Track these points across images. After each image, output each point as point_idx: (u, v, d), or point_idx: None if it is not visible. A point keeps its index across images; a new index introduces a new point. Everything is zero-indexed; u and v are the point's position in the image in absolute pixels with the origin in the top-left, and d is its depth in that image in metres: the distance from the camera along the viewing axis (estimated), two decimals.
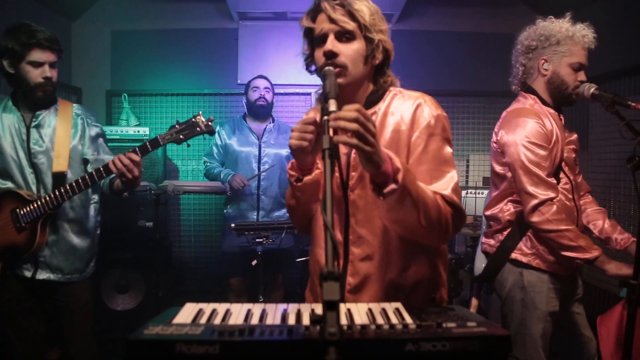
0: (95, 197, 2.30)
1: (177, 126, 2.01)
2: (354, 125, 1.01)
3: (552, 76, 1.97)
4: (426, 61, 4.33)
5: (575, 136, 2.11)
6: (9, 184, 2.10)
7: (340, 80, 1.25)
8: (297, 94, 4.30)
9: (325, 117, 1.03)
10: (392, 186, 1.09)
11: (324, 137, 0.97)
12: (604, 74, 3.27)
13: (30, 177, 2.10)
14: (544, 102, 2.00)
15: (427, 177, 1.26)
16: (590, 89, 1.87)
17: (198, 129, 2.00)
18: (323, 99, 1.12)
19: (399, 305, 1.05)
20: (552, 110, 1.99)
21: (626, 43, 3.24)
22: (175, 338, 0.79)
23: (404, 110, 1.32)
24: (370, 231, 1.35)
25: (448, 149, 1.31)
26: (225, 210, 3.46)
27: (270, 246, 2.91)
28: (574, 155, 2.07)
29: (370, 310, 1.01)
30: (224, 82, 4.32)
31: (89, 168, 2.23)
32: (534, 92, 2.02)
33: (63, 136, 2.12)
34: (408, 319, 0.94)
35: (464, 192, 4.14)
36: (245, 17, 4.21)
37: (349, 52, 1.27)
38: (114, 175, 2.03)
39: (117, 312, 3.51)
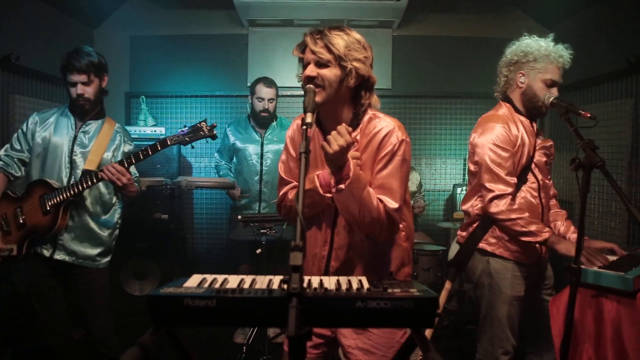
0: (119, 195, 2.59)
1: (184, 129, 2.31)
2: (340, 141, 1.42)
3: (526, 89, 2.18)
4: (425, 65, 4.53)
5: (550, 143, 2.30)
6: (45, 174, 2.42)
7: (317, 97, 1.53)
8: (302, 96, 4.51)
9: (304, 127, 1.29)
10: (341, 186, 1.46)
11: (301, 142, 1.23)
12: (585, 79, 3.47)
13: (66, 170, 2.43)
14: (517, 111, 2.22)
15: (382, 189, 1.57)
16: (550, 98, 2.08)
17: (202, 132, 2.31)
18: (304, 111, 1.39)
19: (363, 278, 1.30)
20: (523, 118, 2.20)
21: (607, 51, 3.43)
22: (183, 295, 1.06)
23: (377, 133, 1.60)
24: (351, 228, 1.65)
25: (405, 168, 1.60)
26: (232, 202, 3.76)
27: (273, 237, 3.17)
28: (544, 159, 2.25)
29: (338, 280, 1.27)
30: (235, 85, 4.58)
31: None
32: (510, 101, 2.24)
33: (101, 145, 2.48)
34: (365, 285, 1.19)
35: (459, 189, 4.37)
36: (255, 24, 4.48)
37: (325, 75, 1.54)
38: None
39: (134, 297, 3.84)
